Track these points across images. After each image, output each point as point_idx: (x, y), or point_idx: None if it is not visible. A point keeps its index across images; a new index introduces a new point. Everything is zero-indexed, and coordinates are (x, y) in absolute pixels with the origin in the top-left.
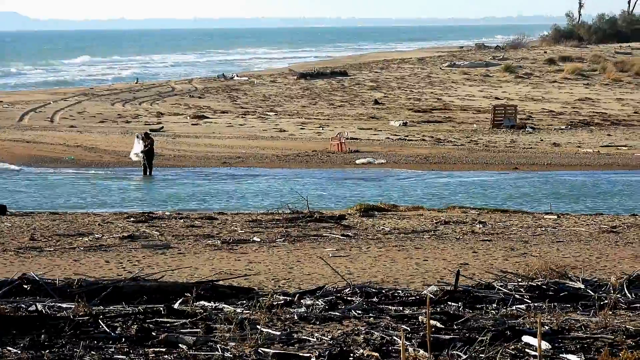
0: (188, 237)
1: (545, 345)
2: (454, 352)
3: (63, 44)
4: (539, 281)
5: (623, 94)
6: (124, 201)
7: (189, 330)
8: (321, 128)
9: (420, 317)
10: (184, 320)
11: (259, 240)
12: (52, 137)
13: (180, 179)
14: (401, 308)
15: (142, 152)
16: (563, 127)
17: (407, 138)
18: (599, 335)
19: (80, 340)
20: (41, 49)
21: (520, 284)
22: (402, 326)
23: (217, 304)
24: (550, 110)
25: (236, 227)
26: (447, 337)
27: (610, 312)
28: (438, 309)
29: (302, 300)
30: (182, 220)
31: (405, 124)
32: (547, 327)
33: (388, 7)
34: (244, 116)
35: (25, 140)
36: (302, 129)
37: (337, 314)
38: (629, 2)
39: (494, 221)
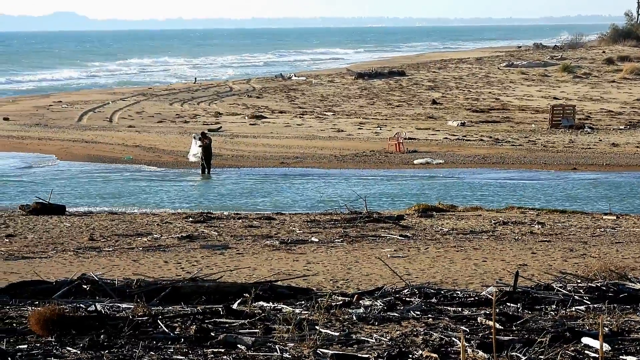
0: (246, 238)
1: (605, 346)
2: (514, 353)
3: (121, 44)
4: (598, 282)
5: None
6: (183, 201)
7: (247, 330)
8: (379, 128)
9: (479, 318)
10: (242, 321)
11: (317, 240)
12: (111, 137)
13: (238, 179)
14: (460, 309)
15: (199, 146)
16: (622, 127)
17: (465, 138)
18: None
19: (139, 340)
20: (99, 49)
21: (580, 285)
22: (462, 327)
23: (275, 305)
24: (608, 110)
25: (294, 227)
26: (506, 338)
27: None
28: (497, 310)
29: (360, 301)
30: (240, 221)
31: (463, 124)
32: (606, 329)
33: (446, 7)
34: (301, 116)
35: (84, 140)
36: (359, 129)
37: (395, 314)
38: None
39: (552, 222)
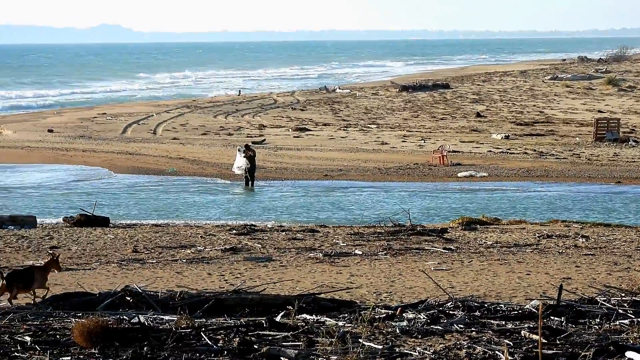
0: (290, 250)
1: None
2: None
3: (166, 56)
4: None
5: None
6: (226, 213)
7: (290, 343)
8: (423, 141)
9: (522, 332)
10: (285, 334)
11: (360, 253)
12: (155, 149)
13: (282, 191)
14: (503, 322)
15: (243, 157)
16: None
17: (509, 151)
18: None
19: (183, 352)
20: (143, 61)
21: (624, 298)
22: (505, 340)
23: (319, 317)
24: None
25: (338, 239)
26: (550, 352)
27: None
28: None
29: (404, 314)
30: (283, 233)
31: (507, 137)
32: None
33: (490, 20)
34: (345, 129)
35: (128, 152)
36: (403, 141)
37: (439, 327)
38: None
39: (596, 235)
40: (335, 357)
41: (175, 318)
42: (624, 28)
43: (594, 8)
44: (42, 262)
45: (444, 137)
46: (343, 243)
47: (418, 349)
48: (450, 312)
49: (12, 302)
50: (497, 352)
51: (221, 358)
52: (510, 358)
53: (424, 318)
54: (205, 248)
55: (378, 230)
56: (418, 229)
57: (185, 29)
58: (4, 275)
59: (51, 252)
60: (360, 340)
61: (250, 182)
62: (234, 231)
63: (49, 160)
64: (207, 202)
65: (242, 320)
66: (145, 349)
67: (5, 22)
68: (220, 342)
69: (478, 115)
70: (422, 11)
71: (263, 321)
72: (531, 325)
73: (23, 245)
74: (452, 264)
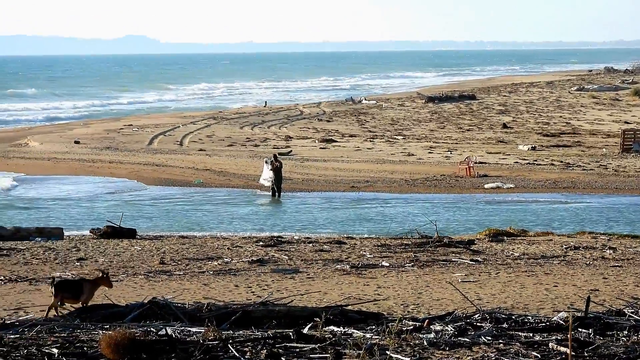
0: (317, 262)
1: None
2: None
3: (192, 67)
4: None
5: None
6: (253, 225)
7: (318, 355)
8: (449, 152)
9: (550, 344)
10: (313, 345)
11: (387, 265)
12: (181, 161)
13: (309, 202)
14: (531, 334)
15: (270, 169)
16: None
17: (536, 162)
18: None
19: None
20: (170, 72)
21: None
22: (533, 353)
23: (346, 329)
24: None
25: (365, 251)
26: None
27: None
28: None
29: (431, 326)
30: (310, 245)
31: (534, 148)
32: None
33: (517, 31)
34: (372, 140)
35: (154, 163)
36: (430, 153)
37: (466, 339)
38: None
39: (624, 247)
40: None
41: (203, 330)
42: None
43: (621, 19)
44: (93, 277)
45: (470, 149)
46: (370, 255)
47: None
48: (478, 324)
49: (57, 310)
50: None
51: None
52: None
53: (451, 330)
54: (232, 260)
55: (405, 242)
56: (445, 240)
57: (212, 39)
58: (55, 282)
59: (102, 269)
60: (387, 352)
61: (277, 194)
62: (261, 243)
63: (76, 171)
64: (233, 214)
65: (269, 332)
66: None
67: (33, 33)
68: (248, 354)
69: (504, 126)
70: (448, 22)
71: (290, 333)
72: (559, 337)
73: (50, 257)
74: (480, 275)
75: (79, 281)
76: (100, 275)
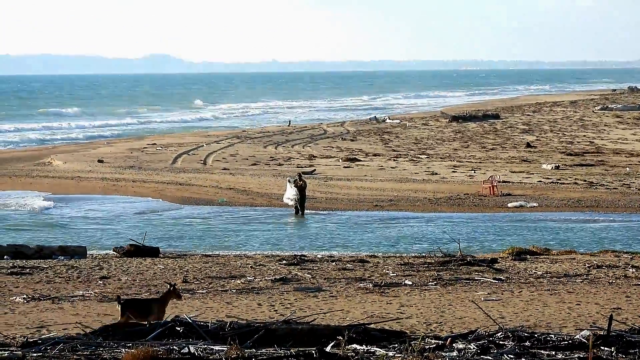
0: (340, 280)
1: None
2: None
3: (215, 86)
4: None
5: None
6: (276, 243)
7: None
8: (473, 171)
9: None
10: None
11: (410, 283)
12: (205, 180)
13: (332, 221)
14: (554, 352)
15: (293, 187)
16: None
17: (560, 181)
18: None
19: None
20: (193, 91)
21: None
22: None
23: (369, 348)
24: None
25: (388, 270)
26: None
27: None
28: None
29: (454, 344)
30: (334, 263)
31: (557, 167)
32: None
33: (540, 50)
34: (395, 159)
35: (178, 182)
36: (453, 172)
37: (489, 358)
38: None
39: None
40: None
41: (225, 348)
42: None
43: None
44: (160, 295)
45: (494, 168)
46: (393, 273)
47: None
48: (500, 342)
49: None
50: None
51: None
52: None
53: (474, 348)
54: (255, 278)
55: (428, 261)
56: (468, 259)
57: (235, 59)
58: (121, 301)
59: (169, 283)
60: None
61: (300, 212)
62: (284, 261)
63: (99, 190)
64: (256, 232)
65: (292, 350)
66: None
67: (58, 52)
68: None
69: (528, 145)
70: (473, 41)
71: (313, 351)
72: (581, 356)
73: (73, 276)
74: (502, 294)
75: (148, 301)
76: (168, 289)
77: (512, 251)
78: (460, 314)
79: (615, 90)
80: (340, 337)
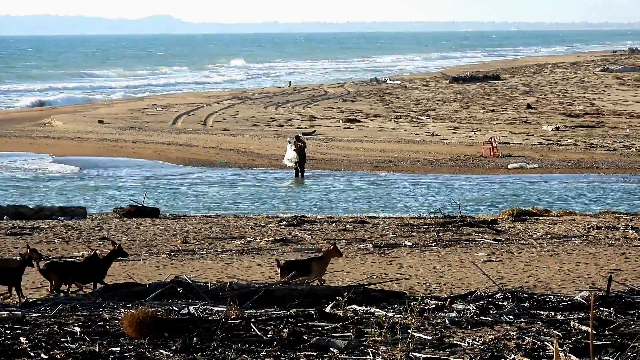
0: (340, 241)
1: None
2: (606, 357)
3: (216, 47)
4: None
5: None
6: (276, 204)
7: (340, 334)
8: (473, 132)
9: (572, 323)
10: (335, 324)
11: (410, 244)
12: (205, 140)
13: (332, 182)
14: (553, 313)
15: (293, 150)
16: None
17: (560, 143)
18: None
19: (232, 343)
20: (194, 52)
21: None
22: (555, 331)
23: (368, 308)
24: None
25: (388, 231)
26: (599, 342)
27: None
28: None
29: (453, 305)
30: (334, 224)
31: (557, 129)
32: None
33: (542, 11)
34: (396, 120)
35: (178, 143)
36: (454, 133)
37: (488, 318)
38: None
39: None
40: (385, 348)
41: (225, 309)
42: None
43: None
44: (321, 254)
45: (494, 129)
46: (393, 234)
47: (467, 339)
48: (500, 303)
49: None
50: (546, 342)
51: (270, 349)
52: (559, 349)
53: (473, 309)
54: (255, 239)
55: (428, 222)
56: (468, 220)
57: (236, 19)
58: (282, 264)
59: (331, 241)
60: (409, 331)
61: (300, 174)
62: (284, 222)
63: (99, 151)
64: (257, 193)
65: (291, 311)
66: (194, 339)
67: (57, 13)
68: (270, 332)
69: (528, 106)
70: (473, 3)
71: (313, 312)
72: (580, 316)
73: (73, 236)
74: (502, 255)
75: (308, 261)
76: (328, 249)
77: (512, 212)
78: (459, 275)
79: (615, 51)
80: (340, 298)
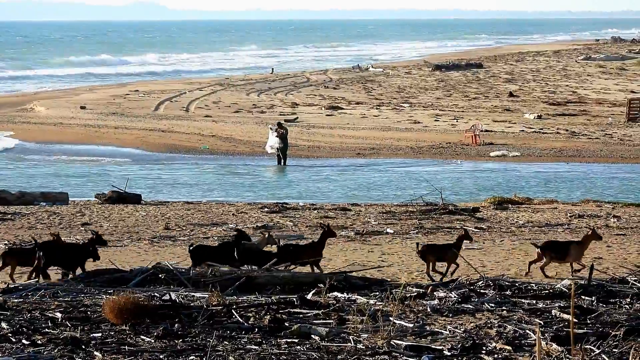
0: (321, 228)
1: None
2: (588, 346)
3: (200, 34)
4: None
5: None
6: (258, 191)
7: (321, 321)
8: (455, 120)
9: (553, 311)
10: (316, 311)
11: (392, 231)
12: (187, 127)
13: (314, 169)
14: (534, 301)
15: (276, 136)
16: None
17: (542, 131)
18: None
19: (214, 329)
20: (177, 39)
21: None
22: (536, 319)
23: (350, 295)
24: None
25: (370, 218)
26: (580, 331)
27: None
28: (571, 303)
29: (435, 293)
30: (315, 211)
31: (539, 117)
32: None
33: (523, 1)
34: (378, 107)
35: (160, 129)
36: (436, 120)
37: (470, 306)
38: None
39: (628, 215)
40: (366, 335)
41: (207, 295)
42: None
43: None
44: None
45: (476, 117)
46: (375, 221)
47: (449, 327)
48: (481, 291)
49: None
50: (527, 331)
51: (252, 335)
52: (541, 337)
53: (455, 297)
54: (237, 226)
55: (410, 209)
56: (450, 208)
57: (219, 7)
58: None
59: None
60: (391, 318)
61: (282, 161)
62: (266, 209)
63: (81, 137)
64: (239, 180)
65: (273, 297)
66: (176, 325)
67: None
68: (251, 319)
69: (511, 94)
70: None
71: (294, 299)
72: (562, 305)
73: (54, 222)
74: (484, 243)
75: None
76: (589, 232)
77: (494, 200)
78: (441, 263)
79: (598, 40)
80: (322, 285)
